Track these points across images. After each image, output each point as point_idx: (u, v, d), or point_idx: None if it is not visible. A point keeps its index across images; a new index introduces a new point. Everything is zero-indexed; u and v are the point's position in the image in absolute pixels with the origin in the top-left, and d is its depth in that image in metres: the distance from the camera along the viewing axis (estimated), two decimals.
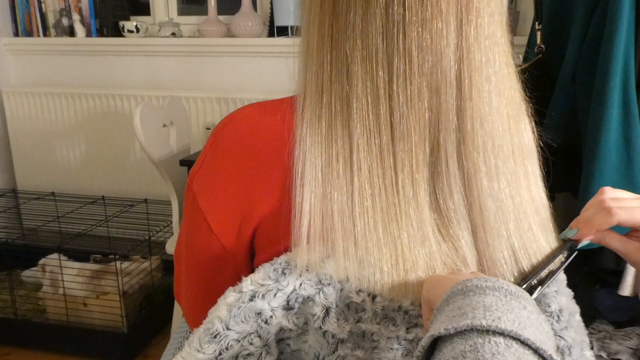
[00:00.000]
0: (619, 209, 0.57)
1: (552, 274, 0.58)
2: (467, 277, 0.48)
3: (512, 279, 0.59)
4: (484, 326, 0.40)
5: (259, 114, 0.62)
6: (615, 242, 0.60)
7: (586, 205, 0.61)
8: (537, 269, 0.59)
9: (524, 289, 0.55)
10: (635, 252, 0.59)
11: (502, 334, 0.40)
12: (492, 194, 0.58)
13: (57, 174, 2.66)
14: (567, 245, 0.60)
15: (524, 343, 0.40)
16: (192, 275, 0.67)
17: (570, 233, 0.61)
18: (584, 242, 0.60)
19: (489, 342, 0.39)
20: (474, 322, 0.41)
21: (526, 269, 0.59)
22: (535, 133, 0.63)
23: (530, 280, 0.57)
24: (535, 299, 0.57)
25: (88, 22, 2.58)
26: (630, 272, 1.23)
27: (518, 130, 0.60)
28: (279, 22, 2.25)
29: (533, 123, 0.63)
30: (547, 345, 0.40)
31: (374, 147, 0.56)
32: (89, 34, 2.58)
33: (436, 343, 0.44)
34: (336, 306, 0.56)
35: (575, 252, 0.61)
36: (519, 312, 0.42)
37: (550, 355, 0.40)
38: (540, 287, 0.57)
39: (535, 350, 0.40)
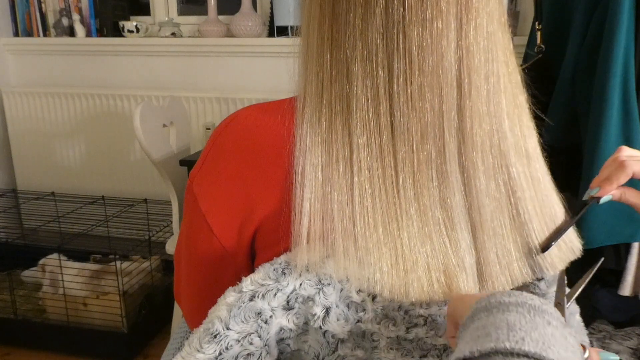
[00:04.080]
0: (633, 162, 0.61)
1: (580, 283, 0.62)
2: (492, 292, 0.48)
3: (504, 280, 0.59)
4: (507, 349, 0.40)
5: (259, 115, 0.62)
6: (633, 197, 0.63)
7: (603, 166, 0.64)
8: (560, 230, 0.61)
9: (545, 246, 0.59)
10: None
11: (526, 355, 0.40)
12: (490, 193, 0.58)
13: (57, 174, 2.66)
14: (590, 202, 0.63)
15: None
16: (192, 276, 0.67)
17: (592, 192, 0.63)
18: (606, 198, 0.62)
19: None
20: (498, 345, 0.41)
21: (520, 270, 0.59)
22: (536, 133, 0.63)
23: (555, 239, 0.60)
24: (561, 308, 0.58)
25: (88, 22, 2.58)
26: (630, 272, 1.23)
27: (520, 130, 0.60)
28: (279, 22, 2.25)
29: (533, 122, 0.63)
30: None
31: (374, 147, 0.56)
32: (88, 34, 2.58)
33: None
34: (336, 306, 0.56)
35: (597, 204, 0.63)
36: (543, 330, 0.42)
37: None
38: (572, 299, 0.59)
39: None
